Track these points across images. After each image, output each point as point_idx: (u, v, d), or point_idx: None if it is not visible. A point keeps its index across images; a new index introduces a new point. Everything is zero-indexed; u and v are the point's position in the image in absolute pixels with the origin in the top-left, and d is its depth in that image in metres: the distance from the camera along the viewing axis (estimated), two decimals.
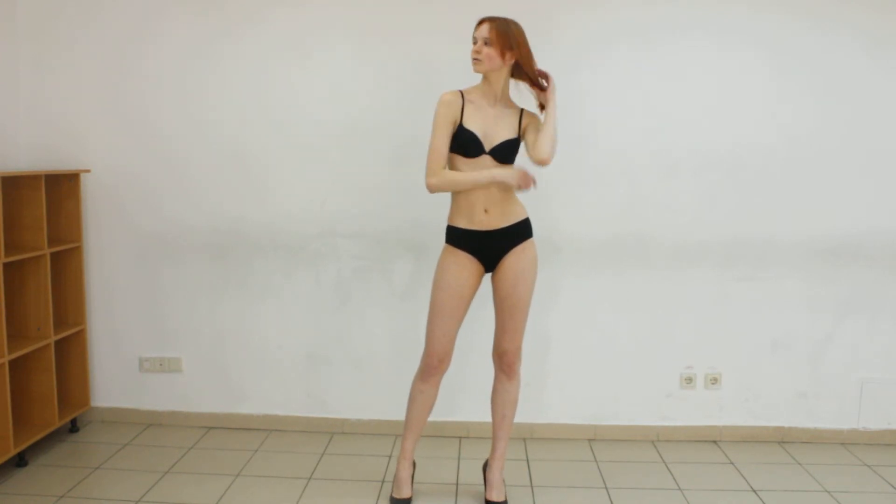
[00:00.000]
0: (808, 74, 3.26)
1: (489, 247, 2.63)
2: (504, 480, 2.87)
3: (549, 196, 3.33)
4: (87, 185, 3.47)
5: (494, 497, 2.77)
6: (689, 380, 3.43)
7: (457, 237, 2.65)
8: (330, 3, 3.30)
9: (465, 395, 3.30)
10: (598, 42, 3.27)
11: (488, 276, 2.72)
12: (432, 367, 2.69)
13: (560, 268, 3.36)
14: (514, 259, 2.64)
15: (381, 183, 3.35)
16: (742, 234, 3.34)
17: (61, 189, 3.36)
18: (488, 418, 3.41)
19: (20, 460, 3.07)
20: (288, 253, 3.43)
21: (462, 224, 2.63)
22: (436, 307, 2.66)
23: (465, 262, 2.64)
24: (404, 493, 2.77)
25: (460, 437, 3.45)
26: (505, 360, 2.74)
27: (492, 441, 2.84)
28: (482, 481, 2.92)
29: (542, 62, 3.26)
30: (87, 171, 3.43)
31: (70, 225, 3.38)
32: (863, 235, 3.33)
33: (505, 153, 2.59)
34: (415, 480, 2.90)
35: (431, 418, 3.28)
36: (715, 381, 3.42)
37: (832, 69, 3.26)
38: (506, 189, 2.60)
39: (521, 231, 2.65)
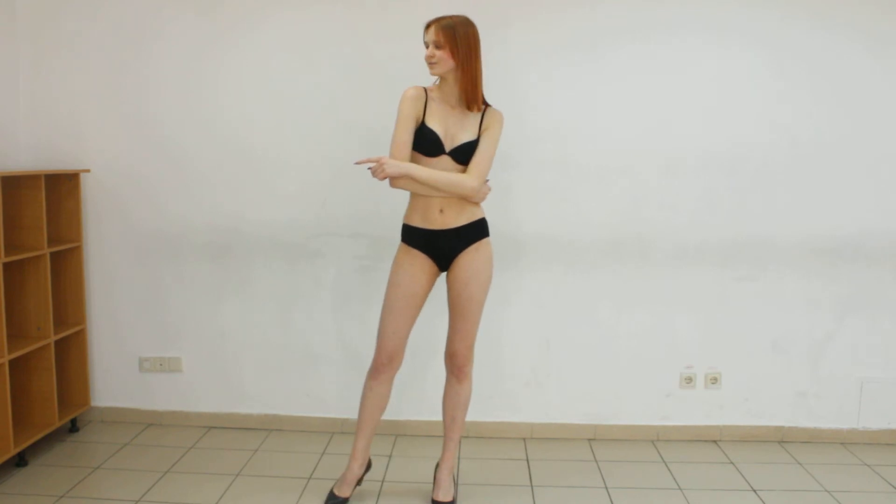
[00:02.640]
0: (809, 73, 3.26)
1: (442, 246, 2.62)
2: (455, 481, 2.88)
3: (549, 195, 3.34)
4: (87, 185, 3.47)
5: (441, 497, 2.77)
6: (689, 379, 3.42)
7: (411, 235, 2.65)
8: (332, 2, 3.30)
9: None
10: (599, 41, 3.26)
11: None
12: (382, 364, 2.69)
13: (559, 267, 3.37)
14: (468, 259, 2.62)
15: (382, 183, 3.33)
16: (742, 234, 3.34)
17: (61, 189, 3.37)
18: (484, 418, 3.43)
19: (20, 460, 3.07)
20: (288, 253, 3.43)
21: (416, 223, 2.63)
22: (387, 304, 2.67)
23: (418, 261, 2.64)
24: (343, 493, 2.77)
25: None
26: (455, 362, 2.72)
27: (443, 442, 2.82)
28: (480, 481, 2.92)
29: (540, 61, 3.28)
30: (87, 170, 3.43)
31: (70, 225, 3.39)
32: (863, 235, 3.33)
33: (465, 155, 2.57)
34: (408, 480, 2.93)
35: (427, 418, 3.27)
36: (715, 380, 3.42)
37: (833, 68, 3.25)
38: None
39: (476, 230, 2.64)
